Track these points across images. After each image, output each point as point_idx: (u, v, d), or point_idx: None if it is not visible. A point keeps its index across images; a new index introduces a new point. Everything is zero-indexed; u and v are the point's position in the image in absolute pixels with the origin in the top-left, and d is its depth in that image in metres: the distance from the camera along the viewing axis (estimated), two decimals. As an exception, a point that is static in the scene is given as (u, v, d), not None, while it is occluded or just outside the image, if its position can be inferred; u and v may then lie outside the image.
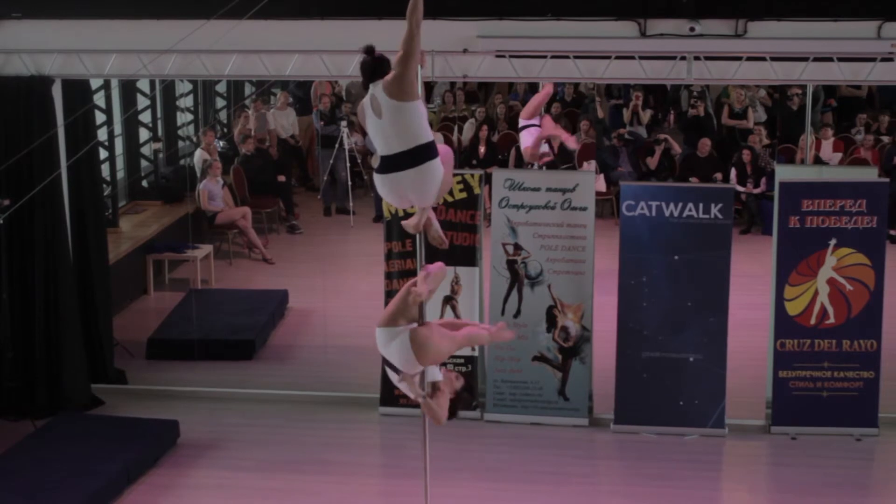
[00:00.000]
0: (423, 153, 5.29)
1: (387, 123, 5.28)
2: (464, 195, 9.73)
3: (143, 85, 14.51)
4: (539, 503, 8.55)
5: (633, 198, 9.52)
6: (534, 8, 9.10)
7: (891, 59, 8.92)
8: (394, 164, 5.29)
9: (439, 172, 5.35)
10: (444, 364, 5.81)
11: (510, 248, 9.78)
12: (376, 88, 5.29)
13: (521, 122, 12.78)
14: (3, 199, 9.25)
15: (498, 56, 9.22)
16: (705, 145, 15.79)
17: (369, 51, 5.36)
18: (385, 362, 5.70)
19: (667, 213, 9.45)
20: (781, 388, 9.57)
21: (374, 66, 5.33)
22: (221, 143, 15.74)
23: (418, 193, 5.37)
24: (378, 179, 5.40)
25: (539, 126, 12.54)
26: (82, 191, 10.24)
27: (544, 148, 12.85)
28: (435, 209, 5.79)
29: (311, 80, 16.93)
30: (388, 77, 5.27)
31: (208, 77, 12.02)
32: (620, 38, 9.10)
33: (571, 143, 13.34)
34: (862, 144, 16.03)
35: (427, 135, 5.31)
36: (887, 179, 10.24)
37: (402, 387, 5.69)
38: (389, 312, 5.65)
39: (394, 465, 9.34)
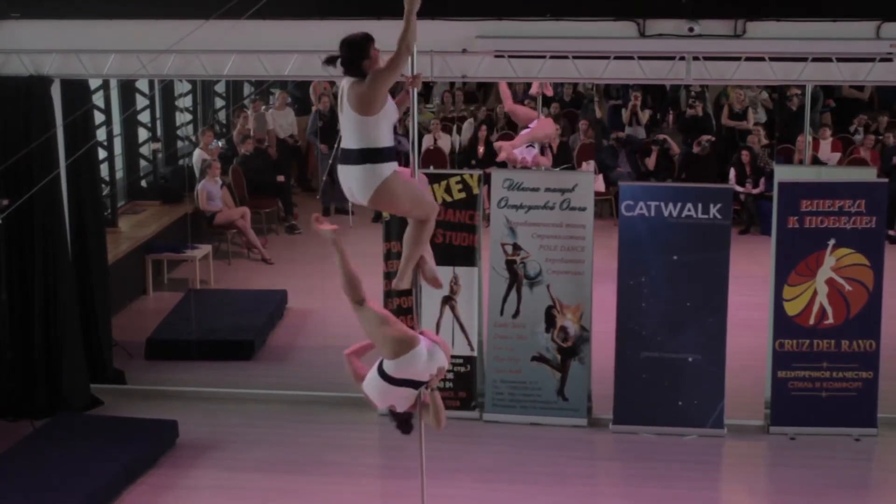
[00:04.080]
0: (371, 156, 5.43)
1: (346, 122, 5.46)
2: (463, 195, 9.73)
3: (142, 85, 14.52)
4: None
5: (631, 198, 9.53)
6: (533, 8, 9.10)
7: (890, 60, 8.92)
8: (344, 157, 5.50)
9: (381, 177, 5.45)
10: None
11: (509, 249, 9.78)
12: (348, 86, 5.41)
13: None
14: (2, 198, 9.25)
15: (497, 56, 9.22)
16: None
17: (349, 43, 5.44)
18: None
19: (666, 214, 9.45)
20: (780, 388, 9.57)
21: (349, 59, 5.42)
22: (220, 143, 15.74)
23: (358, 191, 5.51)
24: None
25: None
26: (81, 191, 10.24)
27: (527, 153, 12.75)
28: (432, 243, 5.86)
29: (309, 81, 16.93)
30: (356, 91, 5.36)
31: (207, 77, 12.03)
32: (619, 38, 9.10)
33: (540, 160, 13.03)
34: (861, 145, 16.05)
35: (383, 140, 5.45)
36: (886, 180, 10.24)
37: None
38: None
39: (392, 465, 9.34)
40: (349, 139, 5.46)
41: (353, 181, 5.49)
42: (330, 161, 15.93)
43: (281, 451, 9.33)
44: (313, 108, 17.07)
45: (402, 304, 9.78)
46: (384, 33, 8.82)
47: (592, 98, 18.12)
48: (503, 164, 15.64)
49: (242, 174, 15.35)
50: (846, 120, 17.42)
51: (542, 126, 12.35)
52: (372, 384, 5.86)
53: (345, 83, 5.42)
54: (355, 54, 5.38)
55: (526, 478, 8.86)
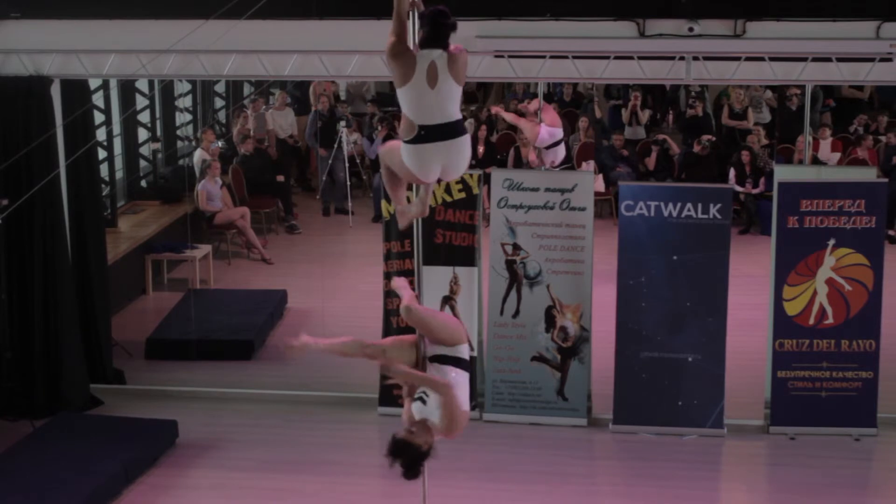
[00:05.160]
0: (460, 127, 5.37)
1: (435, 96, 5.28)
2: (462, 195, 9.73)
3: (142, 85, 14.51)
4: (537, 503, 8.55)
5: (631, 198, 9.53)
6: (532, 8, 9.10)
7: (889, 60, 8.93)
8: (437, 133, 5.30)
9: (469, 147, 5.43)
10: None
11: (509, 249, 9.78)
12: (439, 60, 5.26)
13: (554, 136, 12.54)
14: (1, 198, 9.25)
15: (497, 56, 9.23)
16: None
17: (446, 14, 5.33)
18: None
19: (665, 214, 9.45)
20: (780, 388, 9.57)
21: (447, 31, 5.30)
22: (220, 144, 15.74)
23: (454, 164, 5.38)
24: (413, 149, 5.33)
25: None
26: (81, 191, 10.24)
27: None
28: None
29: (309, 81, 16.93)
30: (455, 60, 5.29)
31: (207, 77, 12.02)
32: (619, 38, 9.10)
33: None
34: (860, 144, 16.05)
35: (459, 113, 5.43)
36: (886, 179, 10.25)
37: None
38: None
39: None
40: (446, 112, 5.30)
41: (462, 153, 5.36)
42: (329, 161, 15.95)
43: (281, 451, 9.33)
44: (313, 109, 17.05)
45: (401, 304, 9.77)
46: (384, 33, 8.84)
47: (592, 98, 18.12)
48: (503, 164, 15.70)
49: (242, 174, 15.35)
50: (846, 120, 17.41)
51: (526, 125, 12.49)
52: (463, 392, 5.77)
53: (432, 56, 5.26)
54: (451, 27, 5.32)
55: (525, 477, 8.86)
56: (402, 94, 5.31)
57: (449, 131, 5.30)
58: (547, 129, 12.25)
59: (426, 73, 5.25)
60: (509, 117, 14.44)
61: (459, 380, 5.72)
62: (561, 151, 12.37)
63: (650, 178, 15.77)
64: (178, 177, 14.81)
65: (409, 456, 5.52)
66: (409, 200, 5.80)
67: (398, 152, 5.41)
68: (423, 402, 5.61)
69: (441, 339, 5.65)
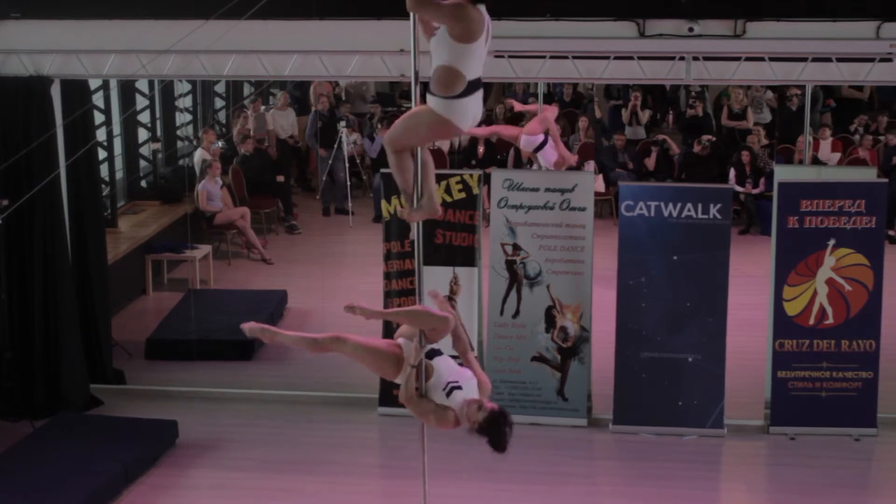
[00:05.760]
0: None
1: (484, 50, 5.32)
2: (463, 195, 9.73)
3: (142, 85, 14.52)
4: (537, 503, 8.55)
5: (631, 198, 9.53)
6: (532, 8, 9.10)
7: (889, 60, 8.93)
8: (476, 85, 5.35)
9: None
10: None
11: (509, 249, 9.79)
12: (486, 14, 5.29)
13: (531, 143, 12.45)
14: (1, 199, 9.25)
15: (497, 56, 9.22)
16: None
17: None
18: None
19: (665, 214, 9.45)
20: (780, 388, 9.57)
21: None
22: (220, 144, 15.75)
23: (479, 112, 5.47)
24: (460, 103, 5.33)
25: (546, 138, 12.40)
26: (81, 191, 10.24)
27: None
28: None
29: (309, 81, 16.93)
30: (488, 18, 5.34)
31: (207, 77, 12.04)
32: (619, 38, 9.10)
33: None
34: (860, 145, 16.06)
35: None
36: (886, 180, 10.25)
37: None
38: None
39: (392, 465, 9.35)
40: (479, 69, 5.35)
41: (481, 105, 5.49)
42: (329, 161, 15.95)
43: (280, 451, 9.33)
44: (313, 109, 17.06)
45: (402, 304, 9.77)
46: (384, 33, 8.87)
47: (592, 98, 18.12)
48: (503, 164, 15.70)
49: (242, 174, 15.36)
50: (846, 120, 17.42)
51: (509, 129, 12.58)
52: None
53: (482, 10, 5.25)
54: None
55: (525, 478, 8.85)
56: (464, 50, 5.23)
57: (480, 82, 5.39)
58: (525, 137, 12.29)
59: (484, 27, 5.29)
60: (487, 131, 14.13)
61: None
62: (549, 157, 12.32)
63: (650, 178, 15.78)
64: (178, 177, 14.82)
65: (506, 423, 6.13)
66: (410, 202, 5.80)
67: (423, 115, 5.40)
68: (462, 388, 5.99)
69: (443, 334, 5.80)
